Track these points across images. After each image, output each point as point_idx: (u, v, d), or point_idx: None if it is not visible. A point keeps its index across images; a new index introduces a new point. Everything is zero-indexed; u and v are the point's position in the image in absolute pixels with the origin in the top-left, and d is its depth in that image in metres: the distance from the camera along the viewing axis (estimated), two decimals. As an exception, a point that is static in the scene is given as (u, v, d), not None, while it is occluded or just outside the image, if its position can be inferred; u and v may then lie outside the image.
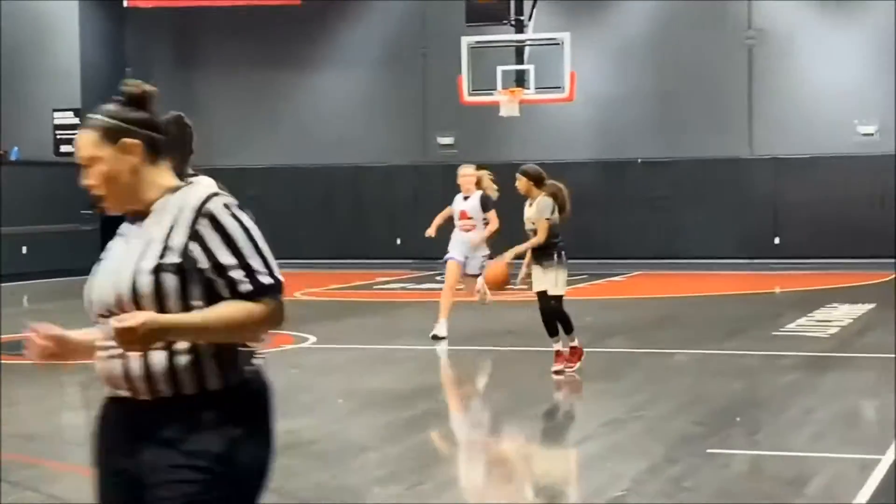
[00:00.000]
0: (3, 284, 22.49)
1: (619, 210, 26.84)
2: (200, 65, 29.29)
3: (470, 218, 14.51)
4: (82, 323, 3.85)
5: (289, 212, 27.41)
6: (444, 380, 12.17)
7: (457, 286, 14.47)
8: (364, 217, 27.68)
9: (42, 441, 9.45)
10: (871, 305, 17.41)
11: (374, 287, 22.37)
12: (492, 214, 14.33)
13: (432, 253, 27.11)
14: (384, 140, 28.04)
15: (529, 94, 23.18)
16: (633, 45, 26.96)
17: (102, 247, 3.80)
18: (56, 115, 27.88)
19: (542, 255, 11.41)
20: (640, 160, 26.94)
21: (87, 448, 8.55)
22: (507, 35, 23.71)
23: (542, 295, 11.36)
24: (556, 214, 11.39)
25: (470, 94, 23.46)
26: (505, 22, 23.65)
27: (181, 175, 4.30)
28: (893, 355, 12.65)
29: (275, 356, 13.45)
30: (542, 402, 10.82)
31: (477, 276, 14.00)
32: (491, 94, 23.31)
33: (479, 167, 14.98)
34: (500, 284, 12.13)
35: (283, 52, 28.49)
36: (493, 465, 8.97)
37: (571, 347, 11.51)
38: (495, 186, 14.46)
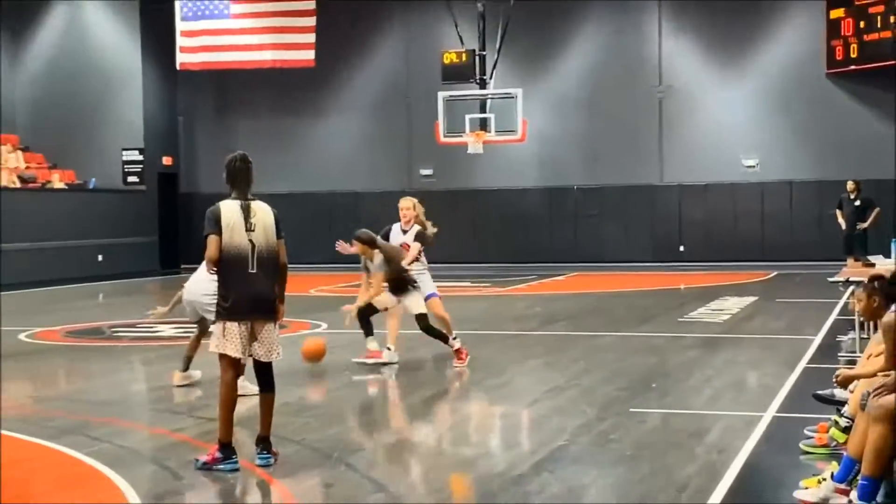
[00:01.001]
0: (85, 285, 22.42)
1: (560, 225, 26.98)
2: (234, 113, 29.22)
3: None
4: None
5: (302, 227, 27.37)
6: (421, 357, 12.13)
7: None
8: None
9: (114, 405, 9.41)
10: (754, 298, 17.51)
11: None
12: (416, 246, 11.57)
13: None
14: (377, 170, 28.04)
15: (491, 136, 23.21)
16: (570, 97, 27.06)
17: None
18: (124, 153, 27.77)
19: (400, 289, 11.03)
20: (575, 186, 27.03)
21: (149, 410, 8.56)
22: (473, 90, 23.74)
23: (420, 317, 11.00)
24: (387, 266, 10.89)
25: (445, 136, 23.50)
26: (472, 80, 23.68)
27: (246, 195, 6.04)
28: (771, 336, 12.72)
29: (295, 338, 13.44)
30: (499, 374, 10.82)
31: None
32: (461, 135, 23.35)
33: (420, 200, 12.38)
34: (317, 357, 10.72)
35: (299, 102, 28.46)
36: (462, 422, 8.97)
37: (456, 350, 11.02)
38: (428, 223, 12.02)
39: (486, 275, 23.76)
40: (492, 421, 8.92)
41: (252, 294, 6.71)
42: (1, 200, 22.81)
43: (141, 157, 27.67)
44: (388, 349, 11.15)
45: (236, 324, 6.68)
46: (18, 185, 24.73)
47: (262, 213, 6.87)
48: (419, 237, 11.57)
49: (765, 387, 9.60)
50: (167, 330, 13.86)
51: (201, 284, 9.50)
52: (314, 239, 27.48)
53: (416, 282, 11.18)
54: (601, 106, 26.82)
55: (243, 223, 6.73)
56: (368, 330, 11.21)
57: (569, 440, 7.55)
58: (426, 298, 11.26)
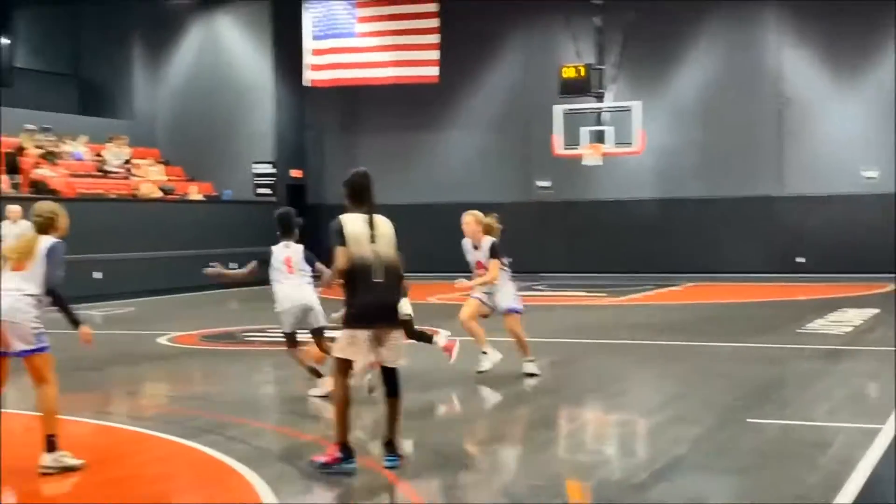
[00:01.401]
0: (218, 291, 22.96)
1: (676, 235, 26.58)
2: (359, 127, 29.60)
3: (486, 267, 11.09)
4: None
5: (424, 237, 27.60)
6: (542, 365, 12.10)
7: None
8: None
9: (248, 406, 9.64)
10: (876, 310, 17.00)
11: (490, 294, 22.29)
12: (494, 265, 10.92)
13: (533, 267, 27.20)
14: (497, 182, 28.07)
15: (607, 148, 23.12)
16: (687, 108, 26.68)
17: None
18: (255, 166, 28.38)
19: None
20: (692, 197, 26.64)
21: (280, 411, 8.69)
22: (590, 104, 23.66)
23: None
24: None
25: (561, 149, 23.51)
26: (589, 93, 23.60)
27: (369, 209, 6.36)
28: (893, 348, 12.36)
29: (416, 345, 13.56)
30: (615, 382, 10.75)
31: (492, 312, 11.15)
32: (577, 148, 23.32)
33: (487, 214, 11.51)
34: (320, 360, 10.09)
35: (422, 117, 28.71)
36: (581, 429, 8.95)
37: (445, 347, 10.77)
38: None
39: (602, 284, 23.59)
40: (609, 429, 8.87)
41: (378, 303, 6.84)
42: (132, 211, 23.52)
43: (272, 170, 28.26)
44: (484, 352, 10.82)
45: (363, 331, 6.81)
46: (159, 196, 25.50)
47: (384, 225, 7.02)
48: (494, 252, 10.87)
49: (886, 399, 9.34)
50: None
51: (308, 290, 9.69)
52: (435, 248, 27.67)
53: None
54: (718, 117, 26.39)
55: (368, 235, 6.86)
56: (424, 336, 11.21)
57: (689, 449, 7.46)
58: (504, 312, 10.78)
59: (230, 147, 28.43)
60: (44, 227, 7.23)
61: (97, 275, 22.19)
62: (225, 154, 28.37)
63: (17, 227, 17.29)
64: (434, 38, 25.78)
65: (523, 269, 26.98)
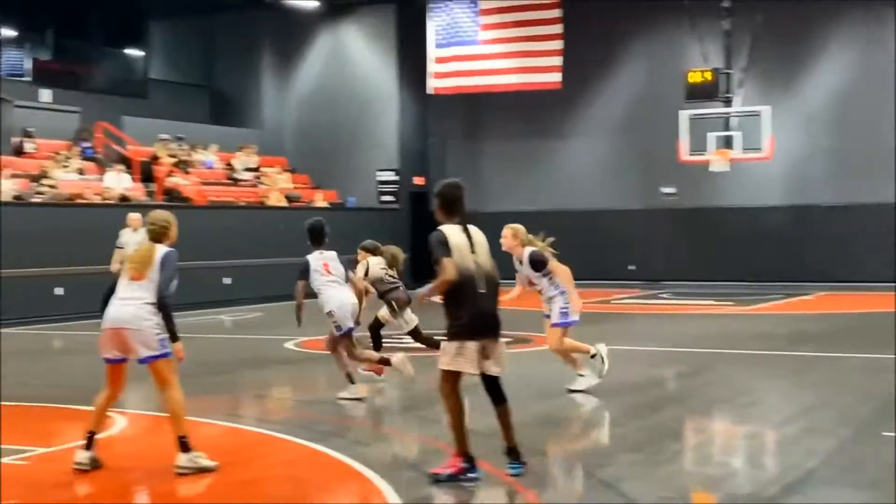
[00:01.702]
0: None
1: (806, 243, 25.90)
2: (482, 134, 29.71)
3: (534, 284, 10.58)
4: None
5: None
6: (663, 375, 11.95)
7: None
8: (603, 248, 27.51)
9: (374, 411, 9.73)
10: None
11: (612, 301, 22.19)
12: (554, 265, 10.48)
13: (657, 276, 26.89)
14: (619, 189, 27.85)
15: (735, 154, 22.72)
16: (818, 112, 26.00)
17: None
18: (378, 173, 28.73)
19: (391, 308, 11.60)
20: (822, 204, 25.93)
21: (406, 416, 8.69)
22: (718, 109, 23.29)
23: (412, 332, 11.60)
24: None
25: (687, 155, 23.19)
26: (716, 98, 23.24)
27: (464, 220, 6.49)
28: None
29: (540, 353, 13.54)
30: (744, 393, 10.54)
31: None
32: (703, 154, 22.97)
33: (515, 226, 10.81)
34: None
35: (544, 124, 28.64)
36: (711, 440, 8.80)
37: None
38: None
39: (729, 293, 23.15)
40: (738, 441, 8.70)
41: (485, 313, 6.88)
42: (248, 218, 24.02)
43: (395, 178, 28.57)
44: (581, 375, 10.39)
45: (472, 342, 6.82)
46: (286, 204, 26.03)
47: (480, 235, 7.04)
48: (535, 264, 10.37)
49: None
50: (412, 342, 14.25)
51: (350, 293, 10.38)
52: (557, 255, 27.60)
53: (400, 300, 11.53)
54: (850, 122, 25.62)
55: (468, 245, 6.88)
56: (378, 344, 11.63)
57: (822, 462, 7.27)
58: (551, 326, 10.40)
59: (355, 155, 28.85)
60: (158, 235, 7.41)
61: (227, 280, 22.78)
62: (350, 162, 28.80)
63: (138, 235, 17.83)
64: (557, 45, 25.71)
65: (647, 277, 26.84)
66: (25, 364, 13.74)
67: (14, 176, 20.82)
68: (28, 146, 23.19)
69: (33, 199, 20.40)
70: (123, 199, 22.01)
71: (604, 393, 10.41)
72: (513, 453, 6.95)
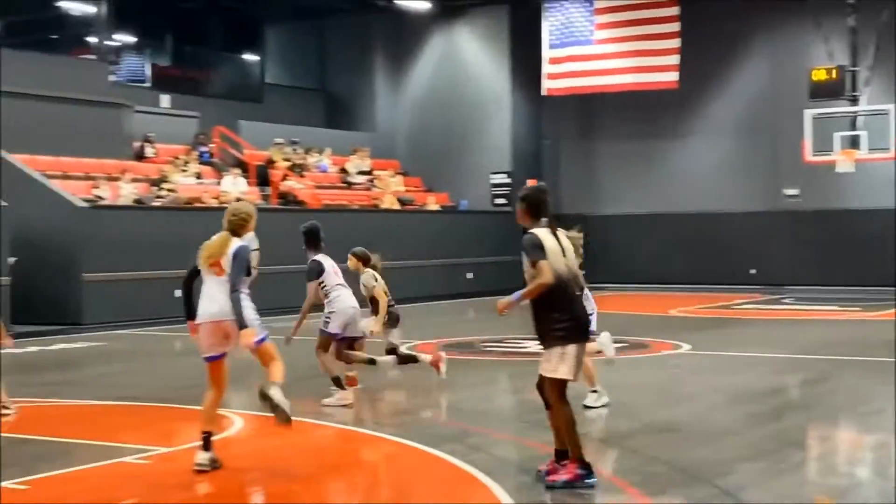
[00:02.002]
0: (456, 301, 23.39)
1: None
2: (597, 136, 29.49)
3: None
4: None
5: (663, 248, 27.24)
6: (792, 382, 11.69)
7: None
8: (722, 252, 27.05)
9: (487, 416, 9.76)
10: None
11: (733, 306, 21.80)
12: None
13: (780, 280, 26.30)
14: (740, 191, 27.33)
15: (862, 154, 22.13)
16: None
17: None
18: (492, 176, 28.76)
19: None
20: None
21: (519, 421, 8.75)
22: (843, 107, 22.71)
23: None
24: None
25: (812, 155, 22.68)
26: (842, 97, 22.66)
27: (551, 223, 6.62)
28: None
29: (659, 359, 13.41)
30: (869, 401, 10.23)
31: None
32: (829, 154, 22.43)
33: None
34: None
35: (661, 124, 28.29)
36: (836, 449, 8.58)
37: (432, 363, 11.28)
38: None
39: (855, 298, 22.52)
40: (863, 451, 8.46)
41: (583, 316, 6.85)
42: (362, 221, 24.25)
43: (508, 180, 28.57)
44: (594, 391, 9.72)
45: (573, 346, 6.76)
46: (399, 207, 26.26)
47: (566, 239, 6.98)
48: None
49: None
50: (532, 346, 14.22)
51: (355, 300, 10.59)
52: (675, 259, 27.27)
53: (396, 316, 11.40)
54: None
55: (560, 249, 6.83)
56: (409, 359, 11.58)
57: (954, 476, 7.02)
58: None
59: (467, 157, 28.94)
60: (237, 227, 7.48)
61: (340, 283, 23.04)
62: (462, 164, 28.90)
63: (245, 238, 18.13)
64: (674, 43, 25.40)
65: (769, 282, 26.27)
66: (145, 364, 14.15)
67: (135, 180, 21.45)
68: (148, 151, 23.88)
69: (153, 203, 21.00)
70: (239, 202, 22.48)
71: (724, 400, 10.24)
72: (561, 455, 6.88)
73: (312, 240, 10.61)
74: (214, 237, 7.54)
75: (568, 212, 28.35)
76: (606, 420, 8.14)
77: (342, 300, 10.50)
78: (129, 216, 19.95)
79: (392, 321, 11.31)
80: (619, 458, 7.02)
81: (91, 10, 26.24)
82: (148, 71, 28.89)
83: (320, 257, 10.57)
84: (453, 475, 7.27)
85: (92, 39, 26.54)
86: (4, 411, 9.63)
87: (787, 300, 23.03)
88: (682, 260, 27.28)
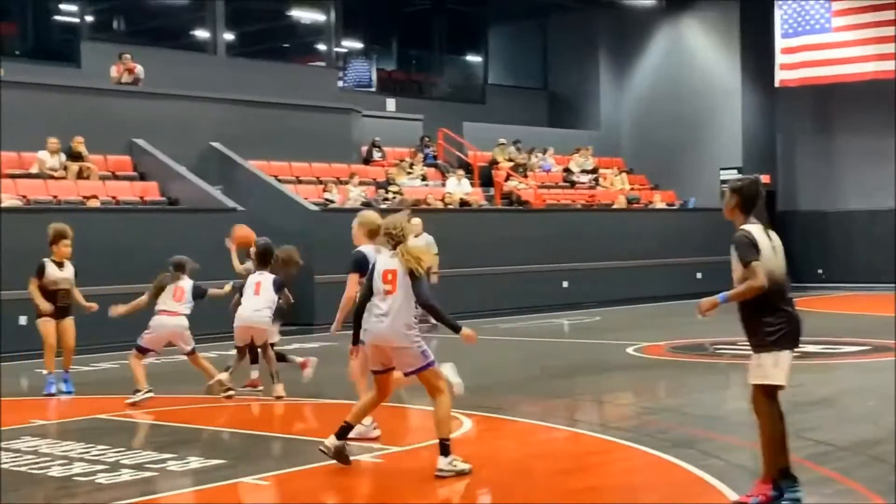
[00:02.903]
0: (683, 302, 22.95)
1: None
2: (835, 129, 28.27)
3: None
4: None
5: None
6: None
7: None
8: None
9: (718, 420, 9.56)
10: None
11: None
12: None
13: None
14: None
15: None
16: None
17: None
18: (722, 172, 28.11)
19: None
20: None
21: (753, 426, 8.50)
22: None
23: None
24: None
25: None
26: None
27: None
28: None
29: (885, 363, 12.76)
30: None
31: None
32: None
33: None
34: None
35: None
36: None
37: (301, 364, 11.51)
38: None
39: None
40: None
41: (798, 320, 6.50)
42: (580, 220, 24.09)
43: (739, 176, 27.80)
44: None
45: (788, 352, 6.47)
46: (625, 205, 26.04)
47: (777, 238, 6.62)
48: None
49: None
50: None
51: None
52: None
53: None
54: None
55: (772, 248, 6.52)
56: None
57: None
58: None
59: (694, 153, 28.40)
60: (400, 240, 7.40)
61: (565, 284, 23.09)
62: (689, 161, 28.39)
63: (421, 241, 18.35)
64: (920, 27, 24.13)
65: None
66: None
67: (362, 183, 22.15)
68: (375, 154, 24.60)
69: (381, 206, 21.61)
70: (464, 203, 22.86)
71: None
72: (788, 473, 6.48)
73: (261, 258, 11.19)
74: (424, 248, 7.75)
75: (804, 208, 27.45)
76: (850, 428, 7.80)
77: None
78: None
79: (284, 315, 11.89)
80: (864, 467, 6.72)
81: (321, 18, 27.29)
82: (374, 76, 29.77)
83: (253, 274, 11.17)
84: (686, 480, 7.14)
85: (321, 47, 27.61)
86: (229, 392, 10.79)
87: None
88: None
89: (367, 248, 8.31)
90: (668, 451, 7.94)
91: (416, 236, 18.28)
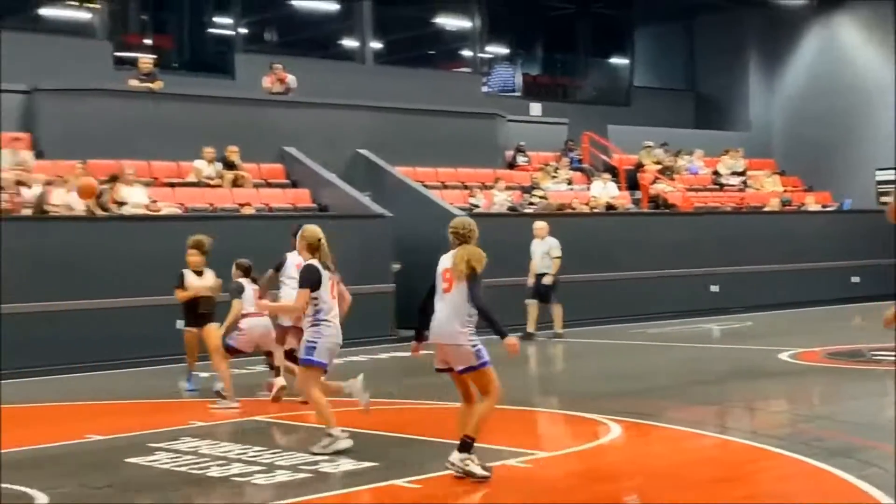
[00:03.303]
0: (839, 306, 22.29)
1: None
2: None
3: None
4: None
5: None
6: None
7: None
8: None
9: (878, 429, 9.23)
10: None
11: None
12: None
13: None
14: None
15: None
16: None
17: None
18: (878, 173, 27.23)
19: None
20: None
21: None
22: None
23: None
24: None
25: None
26: None
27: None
28: None
29: None
30: None
31: None
32: None
33: None
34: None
35: None
36: None
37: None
38: None
39: None
40: None
41: None
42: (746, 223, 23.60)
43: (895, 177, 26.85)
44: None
45: None
46: (778, 208, 25.40)
47: None
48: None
49: None
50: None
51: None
52: None
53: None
54: None
55: None
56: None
57: None
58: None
59: (850, 153, 27.57)
60: (465, 241, 7.57)
61: (714, 288, 22.66)
62: (844, 161, 27.57)
63: (545, 245, 18.14)
64: None
65: None
66: (512, 369, 14.54)
67: (508, 188, 22.18)
68: (520, 159, 24.61)
69: (525, 210, 21.60)
70: (610, 207, 22.67)
71: None
72: None
73: (245, 271, 11.50)
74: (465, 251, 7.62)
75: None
76: None
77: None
78: (503, 223, 20.59)
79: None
80: None
81: (466, 24, 27.49)
82: (518, 80, 29.81)
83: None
84: (846, 490, 6.93)
85: (466, 53, 27.80)
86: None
87: None
88: None
89: (316, 262, 8.43)
90: (824, 461, 7.72)
91: (541, 239, 18.24)
